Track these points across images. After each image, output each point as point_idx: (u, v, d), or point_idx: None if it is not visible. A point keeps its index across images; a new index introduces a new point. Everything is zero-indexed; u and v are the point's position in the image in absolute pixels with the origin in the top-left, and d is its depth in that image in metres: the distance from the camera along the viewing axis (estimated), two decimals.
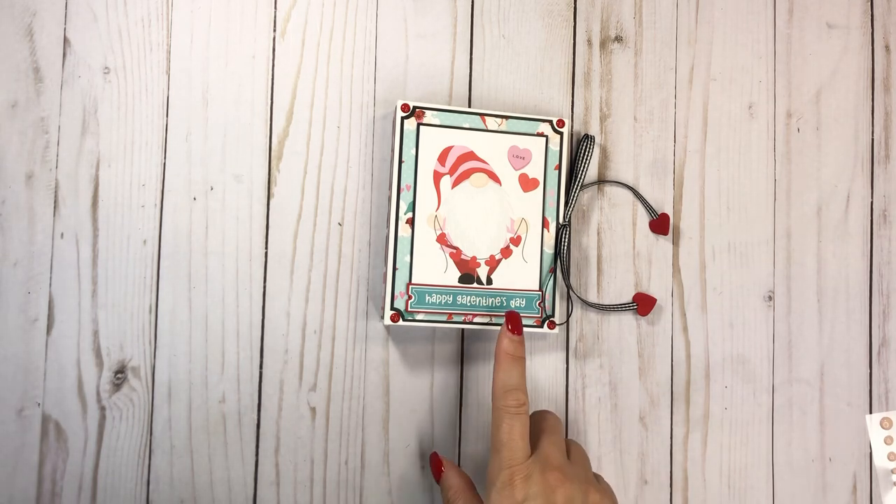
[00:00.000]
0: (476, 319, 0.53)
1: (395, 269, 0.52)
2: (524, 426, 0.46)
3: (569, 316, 0.57)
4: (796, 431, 0.61)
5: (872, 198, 0.63)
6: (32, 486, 0.50)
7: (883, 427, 0.62)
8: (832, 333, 0.62)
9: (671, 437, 0.59)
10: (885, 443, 0.62)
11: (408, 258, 0.52)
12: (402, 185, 0.52)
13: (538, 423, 0.49)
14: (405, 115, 0.53)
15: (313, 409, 0.54)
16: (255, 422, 0.53)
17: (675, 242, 0.60)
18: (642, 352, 0.59)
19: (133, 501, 0.51)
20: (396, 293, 0.52)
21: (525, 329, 0.53)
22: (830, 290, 0.62)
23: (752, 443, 0.60)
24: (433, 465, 0.51)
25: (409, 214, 0.52)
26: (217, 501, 0.52)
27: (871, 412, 0.62)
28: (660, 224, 0.59)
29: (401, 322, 0.51)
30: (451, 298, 0.52)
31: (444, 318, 0.52)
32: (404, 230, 0.52)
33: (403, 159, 0.52)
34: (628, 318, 0.59)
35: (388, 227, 0.53)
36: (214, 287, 0.53)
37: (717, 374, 0.60)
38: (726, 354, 0.60)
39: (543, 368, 0.57)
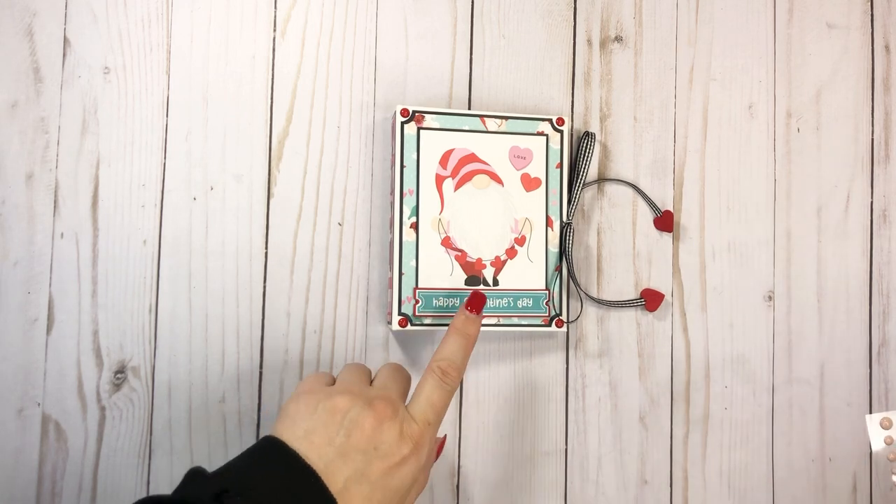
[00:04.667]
0: (484, 321, 0.53)
1: (401, 273, 0.52)
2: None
3: (579, 314, 0.57)
4: (796, 431, 0.61)
5: (872, 198, 0.64)
6: (32, 486, 0.50)
7: (883, 427, 0.62)
8: (832, 333, 0.62)
9: (671, 437, 0.59)
10: (885, 443, 0.62)
11: (413, 262, 0.52)
12: (405, 190, 0.52)
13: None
14: (405, 119, 0.53)
15: None
16: (255, 422, 0.53)
17: (675, 242, 0.60)
18: (642, 352, 0.59)
19: (133, 501, 0.51)
20: (403, 298, 0.52)
21: (533, 328, 0.54)
22: (830, 290, 0.62)
23: (752, 443, 0.60)
24: (478, 301, 0.48)
25: (413, 219, 0.52)
26: None
27: (871, 412, 0.62)
28: (664, 221, 0.59)
29: (409, 327, 0.51)
30: (458, 301, 0.52)
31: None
32: (409, 235, 0.52)
33: (405, 164, 0.52)
34: (629, 319, 0.59)
35: (391, 231, 0.53)
36: (214, 287, 0.53)
37: (717, 374, 0.60)
38: (726, 354, 0.60)
39: (543, 368, 0.57)
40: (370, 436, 0.40)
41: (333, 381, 0.45)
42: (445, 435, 0.51)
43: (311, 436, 0.39)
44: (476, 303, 0.47)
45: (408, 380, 0.46)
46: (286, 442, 0.39)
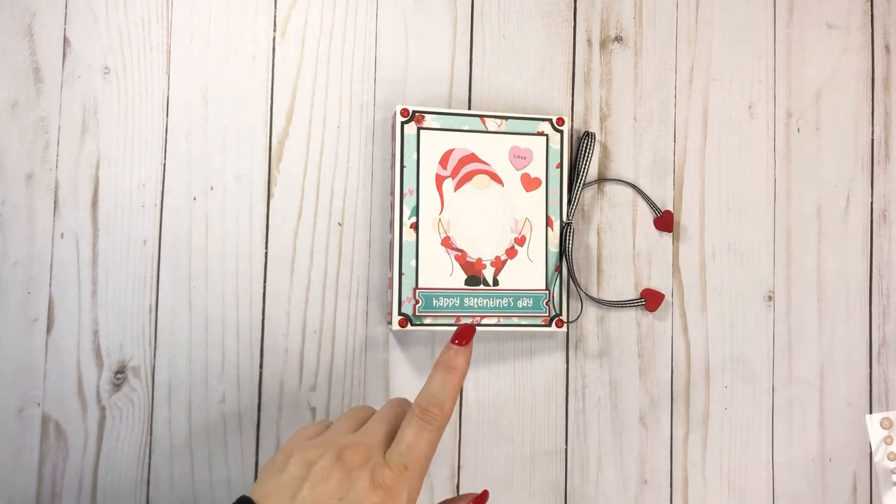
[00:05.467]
0: (484, 321, 0.53)
1: (401, 273, 0.52)
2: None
3: (579, 314, 0.57)
4: (796, 431, 0.61)
5: (872, 198, 0.64)
6: (32, 486, 0.50)
7: (883, 427, 0.62)
8: (832, 333, 0.62)
9: (671, 437, 0.59)
10: (885, 443, 0.62)
11: (413, 262, 0.52)
12: (405, 190, 0.52)
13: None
14: (405, 119, 0.53)
15: (313, 409, 0.54)
16: (255, 422, 0.53)
17: (675, 242, 0.60)
18: (642, 352, 0.59)
19: (133, 501, 0.51)
20: (403, 298, 0.52)
21: (533, 328, 0.54)
22: (830, 290, 0.62)
23: (752, 443, 0.60)
24: (466, 333, 0.45)
25: (413, 219, 0.52)
26: (217, 502, 0.52)
27: (871, 412, 0.62)
28: (664, 221, 0.59)
29: (409, 327, 0.51)
30: (458, 301, 0.52)
31: (452, 321, 0.52)
32: (409, 235, 0.52)
33: (405, 164, 0.52)
34: (629, 319, 0.59)
35: (391, 232, 0.53)
36: (214, 287, 0.53)
37: (717, 374, 0.60)
38: (726, 354, 0.60)
39: (543, 368, 0.57)
40: (335, 487, 0.40)
41: (327, 428, 0.44)
42: (485, 491, 0.48)
43: (278, 491, 0.40)
44: (464, 335, 0.44)
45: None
46: (255, 500, 0.40)
